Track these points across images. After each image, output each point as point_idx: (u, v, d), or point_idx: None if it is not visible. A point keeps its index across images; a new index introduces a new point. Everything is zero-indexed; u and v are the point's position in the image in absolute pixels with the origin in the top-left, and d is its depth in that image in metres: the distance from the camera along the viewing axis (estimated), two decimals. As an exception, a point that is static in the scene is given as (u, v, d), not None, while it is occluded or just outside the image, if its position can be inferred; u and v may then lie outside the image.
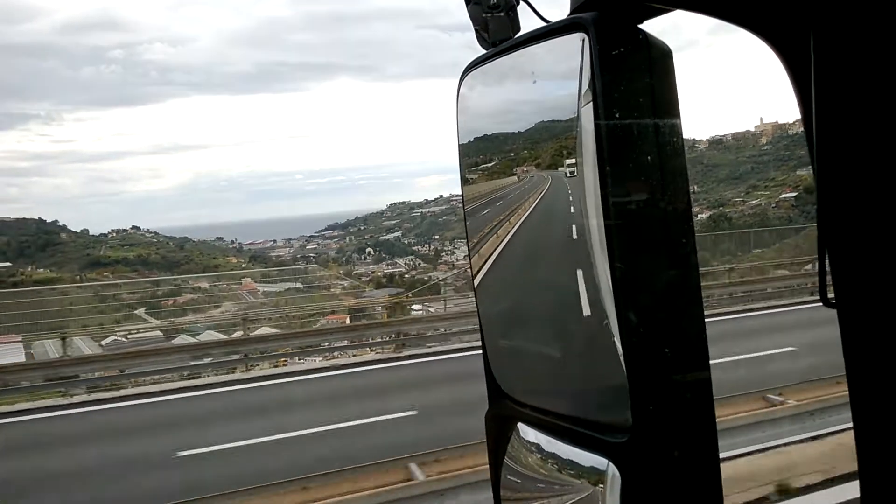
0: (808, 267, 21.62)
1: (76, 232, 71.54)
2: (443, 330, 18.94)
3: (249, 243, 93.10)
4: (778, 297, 20.83)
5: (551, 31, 0.78)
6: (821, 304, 0.73)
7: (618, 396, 0.71)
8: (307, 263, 74.58)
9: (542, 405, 0.89)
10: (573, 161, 0.74)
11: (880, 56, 0.66)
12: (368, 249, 77.08)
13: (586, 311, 0.75)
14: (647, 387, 0.71)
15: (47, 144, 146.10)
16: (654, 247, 0.71)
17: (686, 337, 0.73)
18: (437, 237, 79.12)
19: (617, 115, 0.69)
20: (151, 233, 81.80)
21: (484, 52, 0.94)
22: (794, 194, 55.49)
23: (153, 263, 58.96)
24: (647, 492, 0.72)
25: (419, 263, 66.78)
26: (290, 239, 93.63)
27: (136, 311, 27.17)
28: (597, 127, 0.69)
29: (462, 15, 0.98)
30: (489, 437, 1.01)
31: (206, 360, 16.57)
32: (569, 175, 0.74)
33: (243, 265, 54.13)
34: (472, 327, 18.43)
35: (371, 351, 18.61)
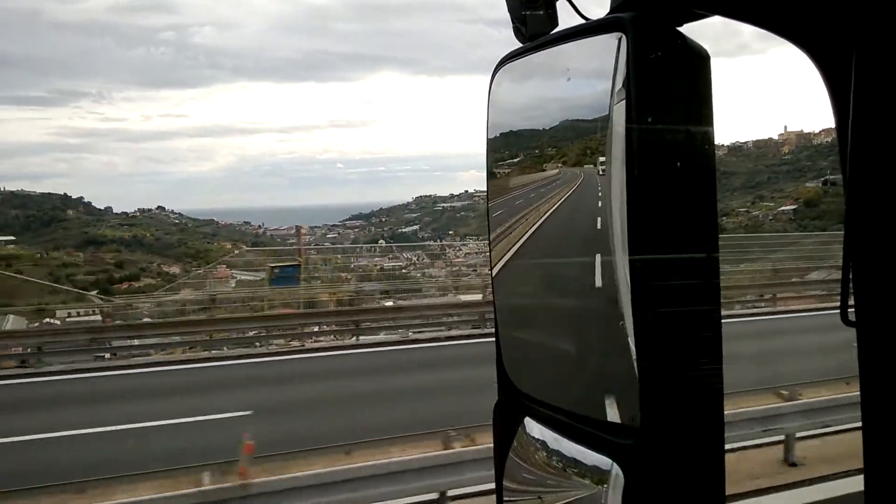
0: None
1: (99, 209, 72.61)
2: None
3: (274, 229, 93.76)
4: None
5: (589, 28, 0.78)
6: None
7: (628, 398, 0.71)
8: (316, 252, 74.87)
9: (551, 401, 0.88)
10: (605, 159, 0.73)
11: None
12: (381, 241, 76.91)
13: (603, 310, 0.74)
14: (659, 391, 0.70)
15: (97, 122, 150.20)
16: (676, 251, 0.71)
17: (701, 344, 0.72)
18: (451, 232, 78.52)
19: (650, 119, 0.68)
20: (176, 214, 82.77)
21: (520, 45, 0.93)
22: (793, 207, 53.48)
23: (147, 245, 59.57)
24: (651, 496, 0.72)
25: (423, 258, 66.25)
26: (315, 227, 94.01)
27: (89, 293, 27.15)
28: (628, 129, 0.68)
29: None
30: (496, 427, 1.00)
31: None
32: (601, 174, 0.73)
33: (236, 252, 54.05)
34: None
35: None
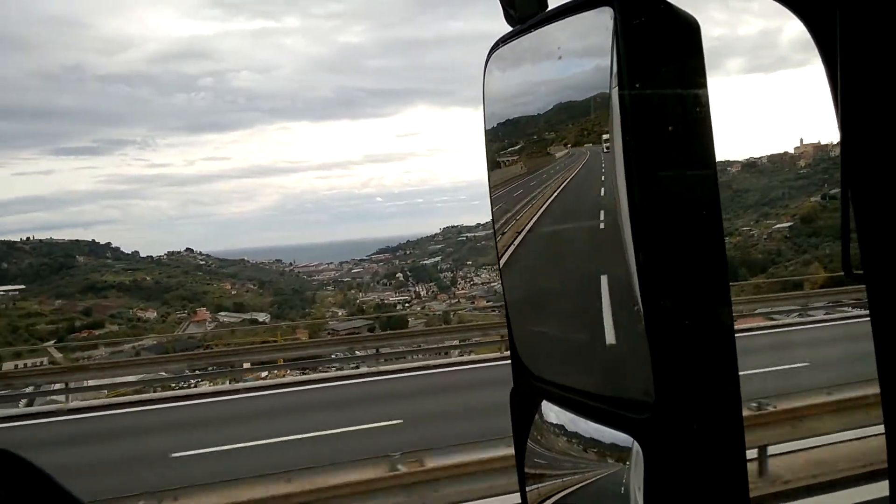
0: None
1: (126, 254, 74.05)
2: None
3: (303, 266, 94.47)
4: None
5: (578, 5, 0.78)
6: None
7: (641, 373, 0.71)
8: (337, 287, 74.93)
9: (566, 382, 0.89)
10: (608, 136, 0.74)
11: None
12: (399, 275, 76.54)
13: (612, 286, 0.75)
14: (671, 363, 0.70)
15: (143, 168, 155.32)
16: (679, 218, 0.71)
17: (710, 314, 0.72)
18: (469, 262, 77.81)
19: (638, 86, 0.69)
20: (203, 255, 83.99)
21: (511, 29, 0.93)
22: (789, 224, 51.07)
23: (145, 289, 60.13)
24: (671, 468, 0.72)
25: (431, 291, 65.59)
26: (343, 262, 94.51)
27: (45, 344, 27.13)
28: (620, 97, 0.69)
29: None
30: (513, 414, 1.00)
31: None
32: (605, 151, 0.74)
33: (233, 292, 54.13)
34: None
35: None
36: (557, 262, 0.90)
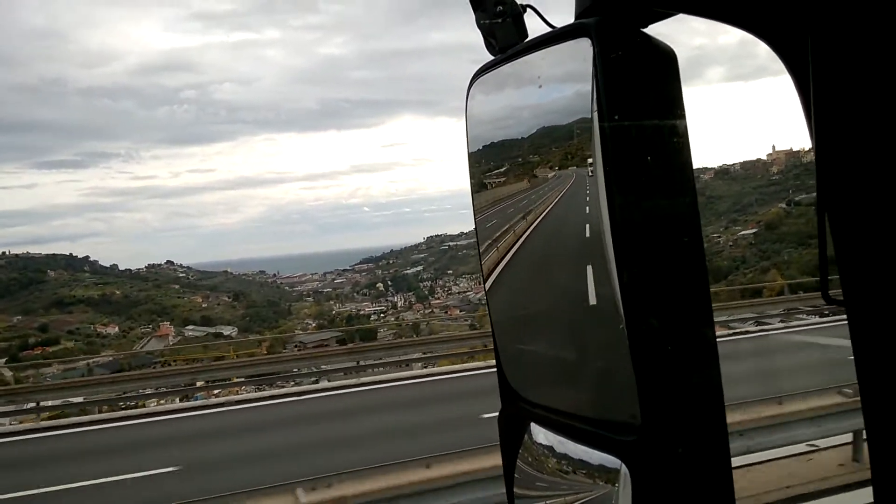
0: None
1: (105, 267, 73.49)
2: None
3: (286, 277, 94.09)
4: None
5: (557, 36, 0.80)
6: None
7: (628, 396, 0.72)
8: (316, 299, 74.62)
9: (554, 405, 0.89)
10: (592, 160, 0.75)
11: (874, 59, 0.70)
12: (379, 285, 76.33)
13: (596, 310, 0.76)
14: (656, 385, 0.71)
15: (128, 181, 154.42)
16: (661, 244, 0.72)
17: (694, 336, 0.73)
18: (450, 271, 77.76)
19: (617, 117, 0.71)
20: (184, 268, 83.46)
21: (492, 58, 0.95)
22: (754, 231, 51.28)
23: (114, 303, 59.67)
24: (659, 491, 0.73)
25: (409, 301, 65.44)
26: (327, 272, 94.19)
27: None
28: (600, 129, 0.71)
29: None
30: (502, 437, 1.01)
31: None
32: (590, 174, 0.75)
33: (204, 305, 53.68)
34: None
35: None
36: (543, 284, 0.90)
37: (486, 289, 0.99)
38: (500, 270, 0.96)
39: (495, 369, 1.02)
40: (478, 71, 0.95)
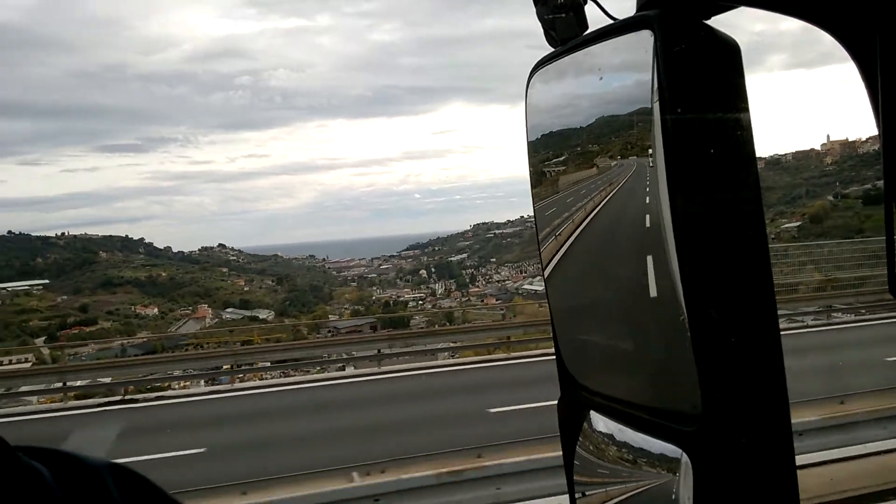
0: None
1: (159, 249, 75.54)
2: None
3: (335, 262, 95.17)
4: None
5: (618, 28, 0.80)
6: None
7: (689, 386, 0.72)
8: (360, 284, 75.37)
9: (614, 393, 0.89)
10: (653, 150, 0.75)
11: None
12: (422, 271, 76.52)
13: (657, 299, 0.76)
14: (718, 377, 0.71)
15: (186, 166, 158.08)
16: (723, 237, 0.72)
17: (757, 329, 0.73)
18: (493, 259, 77.37)
19: (679, 110, 0.70)
20: (235, 251, 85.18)
21: (552, 49, 0.96)
22: (797, 224, 49.28)
23: (160, 285, 61.07)
24: (721, 481, 0.73)
25: (449, 288, 65.31)
26: (374, 258, 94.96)
27: (35, 340, 27.69)
28: (663, 122, 0.71)
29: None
30: (561, 424, 1.01)
31: None
32: (651, 165, 0.75)
33: (246, 288, 54.68)
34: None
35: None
36: (603, 272, 0.91)
37: (546, 277, 0.99)
38: (560, 259, 0.96)
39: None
40: (538, 62, 0.95)
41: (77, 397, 17.96)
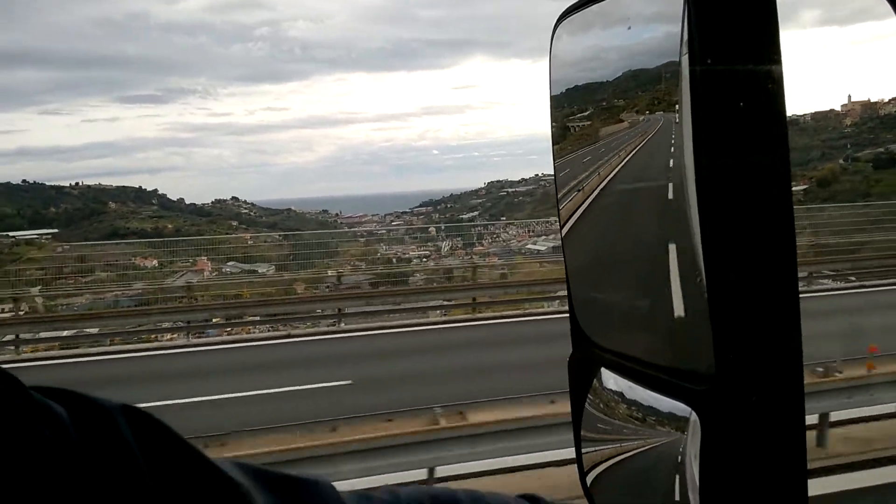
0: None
1: (172, 201, 75.75)
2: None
3: (347, 217, 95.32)
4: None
5: None
6: None
7: (703, 346, 0.71)
8: (369, 239, 75.46)
9: (626, 351, 0.89)
10: (679, 107, 0.73)
11: None
12: (431, 229, 76.38)
13: (674, 257, 0.75)
14: (733, 336, 0.71)
15: (205, 117, 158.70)
16: (748, 195, 0.70)
17: (776, 292, 0.72)
18: (503, 218, 77.07)
19: (709, 61, 0.68)
20: (248, 204, 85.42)
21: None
22: (804, 187, 48.23)
23: (166, 236, 61.28)
24: (729, 438, 0.73)
25: (456, 247, 65.13)
26: (387, 214, 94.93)
27: (31, 289, 27.81)
28: (691, 73, 0.69)
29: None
30: (571, 381, 1.01)
31: None
32: (676, 122, 0.74)
33: (250, 242, 54.50)
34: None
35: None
36: (622, 230, 0.89)
37: (563, 235, 0.97)
38: (578, 217, 0.94)
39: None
40: (563, 12, 0.92)
41: (62, 347, 18.17)
